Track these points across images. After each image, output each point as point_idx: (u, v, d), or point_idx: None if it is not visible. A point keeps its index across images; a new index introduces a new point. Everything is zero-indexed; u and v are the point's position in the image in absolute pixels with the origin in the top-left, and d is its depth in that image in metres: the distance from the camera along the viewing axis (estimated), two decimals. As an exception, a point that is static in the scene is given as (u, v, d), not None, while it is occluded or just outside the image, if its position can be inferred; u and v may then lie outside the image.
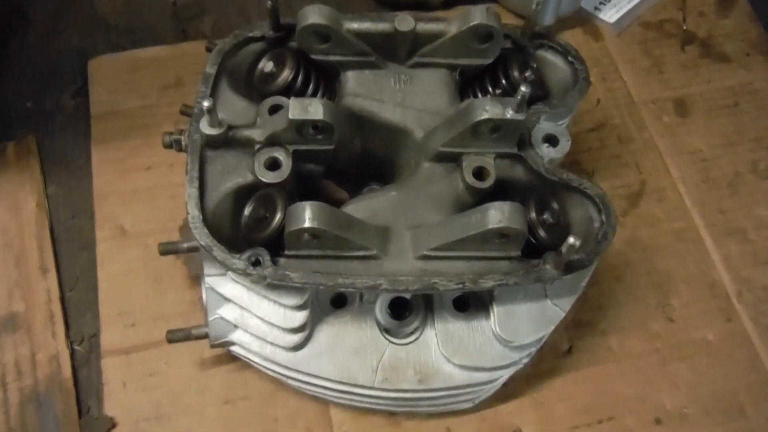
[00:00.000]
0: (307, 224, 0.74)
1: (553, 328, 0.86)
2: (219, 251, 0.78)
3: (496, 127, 0.84)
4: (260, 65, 0.94)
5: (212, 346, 0.88)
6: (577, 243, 0.75)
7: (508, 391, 0.95)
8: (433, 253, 0.81)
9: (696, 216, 1.17)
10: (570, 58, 0.97)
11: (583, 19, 1.38)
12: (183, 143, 0.87)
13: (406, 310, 0.90)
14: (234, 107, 0.90)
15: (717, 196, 1.19)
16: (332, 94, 0.96)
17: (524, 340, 0.85)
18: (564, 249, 0.77)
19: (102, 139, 1.12)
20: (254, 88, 0.94)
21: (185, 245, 0.92)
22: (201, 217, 0.80)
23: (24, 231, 1.05)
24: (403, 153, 0.96)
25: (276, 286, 0.81)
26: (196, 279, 1.02)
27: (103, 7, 1.32)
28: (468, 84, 1.00)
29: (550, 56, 0.99)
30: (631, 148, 1.23)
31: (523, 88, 0.79)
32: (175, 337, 0.87)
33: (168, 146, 0.88)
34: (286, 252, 0.80)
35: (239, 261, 0.78)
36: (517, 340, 0.85)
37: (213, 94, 0.89)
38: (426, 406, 0.91)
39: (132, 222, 1.07)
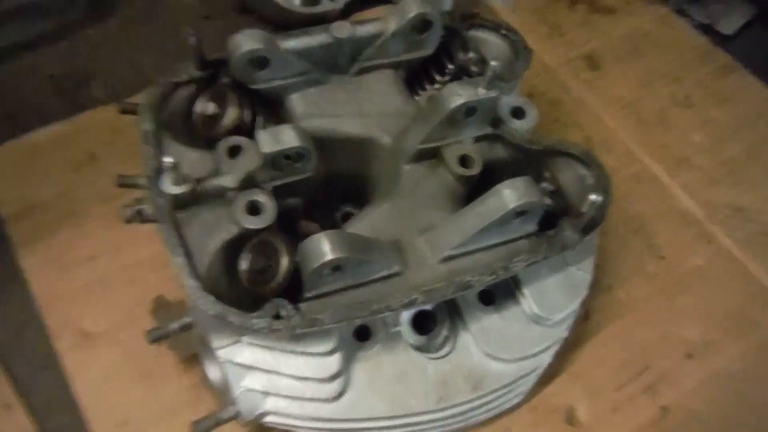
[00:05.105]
0: (329, 257, 0.67)
1: (586, 293, 0.84)
2: (235, 316, 0.69)
3: (471, 109, 0.82)
4: (198, 109, 0.86)
5: (245, 425, 0.78)
6: (599, 199, 0.74)
7: (546, 374, 0.92)
8: (455, 252, 0.76)
9: (644, 157, 1.21)
10: (503, 32, 0.97)
11: (477, 2, 1.40)
12: (147, 212, 0.76)
13: (431, 322, 0.85)
14: (188, 160, 0.81)
15: (654, 133, 1.24)
16: (281, 123, 0.89)
17: (563, 312, 0.83)
18: (585, 208, 0.76)
19: (26, 241, 0.97)
20: (196, 134, 0.86)
21: (176, 325, 0.80)
22: (199, 285, 0.70)
23: (-37, 371, 0.88)
24: (375, 164, 0.91)
25: (301, 335, 0.73)
26: (191, 360, 0.90)
27: (-28, 98, 1.16)
28: (412, 80, 0.98)
29: (482, 34, 0.98)
30: (565, 110, 1.25)
31: (493, 63, 0.78)
32: (202, 428, 0.75)
33: (129, 221, 0.77)
34: (306, 294, 0.72)
35: (260, 320, 0.69)
36: (557, 315, 0.82)
37: (160, 151, 0.79)
38: (482, 413, 0.85)
39: (94, 321, 0.93)
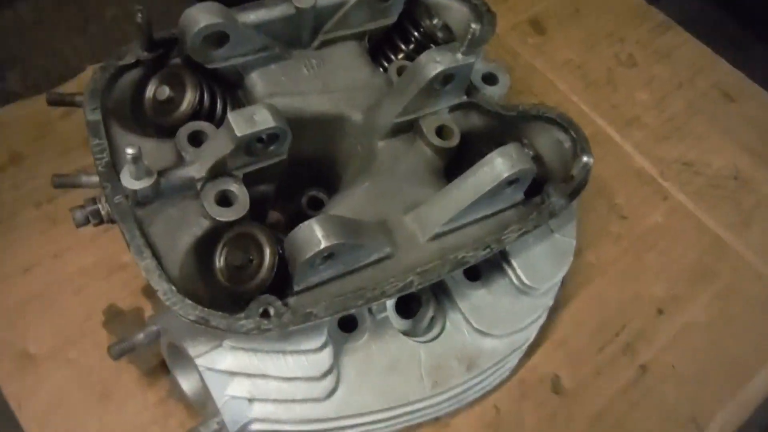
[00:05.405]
0: (323, 244, 0.61)
1: (572, 259, 0.83)
2: (219, 319, 0.62)
3: (448, 77, 0.78)
4: (149, 94, 0.77)
5: (230, 437, 0.71)
6: (590, 160, 0.72)
7: (530, 345, 0.91)
8: (445, 228, 0.72)
9: (597, 118, 1.21)
10: (463, -4, 0.93)
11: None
12: (103, 213, 0.68)
13: (415, 305, 0.81)
14: (144, 150, 0.72)
15: (603, 94, 1.24)
16: (240, 105, 0.82)
17: (552, 280, 0.81)
18: (576, 171, 0.74)
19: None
20: (147, 122, 0.77)
21: (142, 336, 0.73)
22: (173, 288, 0.63)
23: None
24: (343, 142, 0.85)
25: (291, 333, 0.67)
26: (154, 373, 0.83)
27: None
28: (374, 52, 0.92)
29: (443, 0, 0.94)
30: (517, 76, 1.23)
31: (473, 26, 0.73)
32: (188, 445, 0.68)
33: (83, 223, 0.69)
34: (295, 288, 0.66)
35: (248, 321, 0.63)
36: (546, 284, 0.80)
37: (111, 144, 0.71)
38: (474, 394, 0.83)
39: (36, 341, 0.83)
